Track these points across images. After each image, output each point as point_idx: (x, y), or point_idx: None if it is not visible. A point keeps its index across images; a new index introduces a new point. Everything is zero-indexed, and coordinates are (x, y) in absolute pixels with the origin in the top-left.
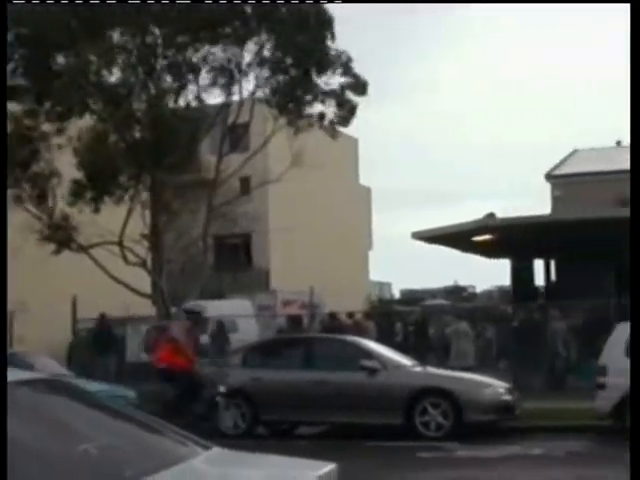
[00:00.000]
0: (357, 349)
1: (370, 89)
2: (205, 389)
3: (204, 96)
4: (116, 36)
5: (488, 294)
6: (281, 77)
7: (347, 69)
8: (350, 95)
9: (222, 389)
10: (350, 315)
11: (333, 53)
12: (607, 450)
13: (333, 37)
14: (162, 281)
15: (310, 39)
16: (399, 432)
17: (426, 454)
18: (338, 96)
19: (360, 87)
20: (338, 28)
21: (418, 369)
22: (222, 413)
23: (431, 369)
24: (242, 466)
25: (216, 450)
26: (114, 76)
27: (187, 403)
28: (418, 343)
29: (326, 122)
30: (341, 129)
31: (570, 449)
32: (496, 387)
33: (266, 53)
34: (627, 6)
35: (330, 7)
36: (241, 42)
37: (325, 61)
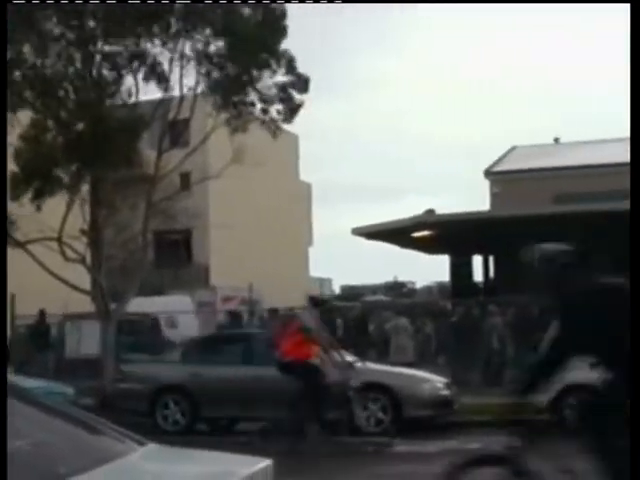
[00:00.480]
0: None
1: (313, 86)
2: (333, 384)
3: (143, 91)
4: (52, 28)
5: (428, 290)
6: (222, 73)
7: (289, 67)
8: (292, 93)
9: (355, 383)
10: (290, 311)
11: (275, 50)
12: (544, 444)
13: (276, 34)
14: (101, 277)
15: (252, 36)
16: (339, 427)
17: (367, 449)
18: (280, 94)
19: (302, 84)
20: (281, 25)
21: (358, 365)
22: (356, 409)
23: (370, 364)
24: (176, 462)
25: (152, 446)
26: (50, 69)
27: (314, 399)
28: (358, 339)
29: (267, 120)
30: (282, 125)
31: (508, 443)
32: (434, 382)
33: (207, 49)
34: (627, 6)
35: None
36: (180, 37)
37: (267, 58)
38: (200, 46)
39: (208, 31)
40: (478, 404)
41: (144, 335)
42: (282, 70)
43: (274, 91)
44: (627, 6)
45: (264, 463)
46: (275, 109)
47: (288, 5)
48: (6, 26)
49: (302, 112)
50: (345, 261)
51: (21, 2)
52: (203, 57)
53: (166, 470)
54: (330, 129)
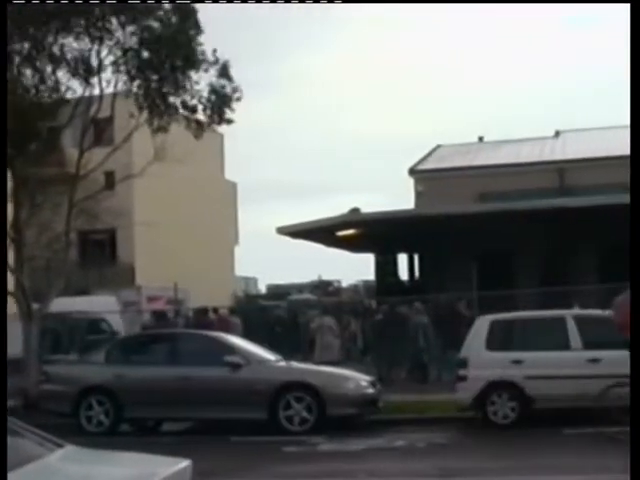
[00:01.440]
0: (220, 344)
1: (239, 83)
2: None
3: (65, 89)
4: None
5: (354, 288)
6: (146, 72)
7: (216, 66)
8: (219, 93)
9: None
10: (215, 310)
11: (195, 50)
12: (468, 441)
13: (200, 33)
14: (24, 278)
15: (178, 35)
16: (264, 427)
17: (290, 448)
18: (206, 94)
19: (229, 85)
20: (207, 24)
21: (282, 364)
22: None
23: (295, 364)
24: (94, 464)
25: (70, 448)
26: None
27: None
28: (284, 338)
29: (192, 121)
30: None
31: (432, 441)
32: (359, 380)
33: (131, 47)
34: (627, 6)
35: (202, 4)
36: (104, 35)
37: (192, 57)
38: (123, 44)
39: (132, 29)
40: (403, 402)
41: (69, 335)
42: (208, 69)
43: (200, 91)
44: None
45: (183, 464)
46: (200, 109)
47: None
48: (6, 26)
49: (228, 110)
50: (271, 260)
51: (21, 2)
52: (126, 55)
53: (82, 472)
54: (256, 127)
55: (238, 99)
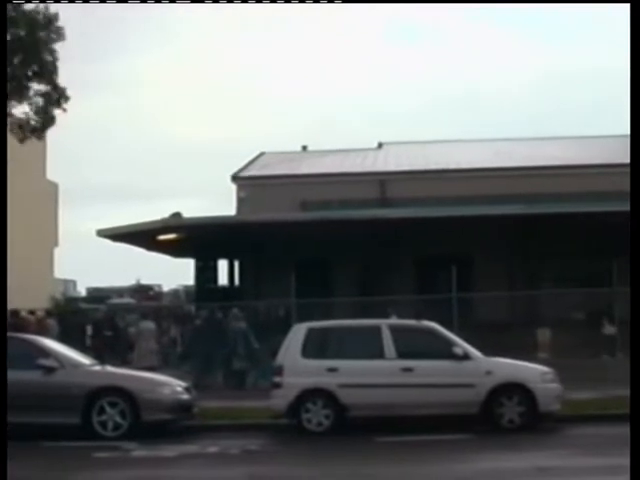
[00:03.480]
0: (34, 347)
1: (67, 83)
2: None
3: None
4: None
5: (175, 293)
6: None
7: (44, 73)
8: (46, 101)
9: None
10: (32, 313)
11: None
12: (281, 448)
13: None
14: None
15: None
16: (77, 432)
17: (103, 454)
18: (32, 99)
19: (57, 92)
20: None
21: (97, 368)
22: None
23: (110, 368)
24: None
25: None
26: None
27: None
28: (102, 342)
29: (15, 124)
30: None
31: (246, 447)
32: (174, 386)
33: None
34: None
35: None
36: None
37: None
38: None
39: None
40: (219, 408)
41: None
42: (36, 75)
43: (26, 98)
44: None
45: None
46: (25, 114)
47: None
48: (6, 26)
49: (52, 112)
50: (91, 263)
51: (21, 2)
52: None
53: None
54: (82, 129)
55: (64, 100)
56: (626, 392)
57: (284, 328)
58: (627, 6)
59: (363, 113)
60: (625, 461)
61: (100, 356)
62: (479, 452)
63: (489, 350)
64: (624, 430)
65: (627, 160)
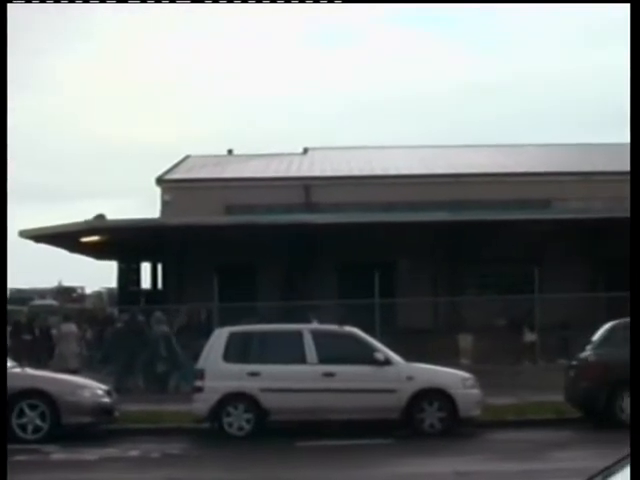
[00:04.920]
0: None
1: None
2: None
3: None
4: None
5: (98, 295)
6: None
7: None
8: None
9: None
10: None
11: None
12: (202, 452)
13: None
14: None
15: None
16: None
17: (22, 457)
18: None
19: None
20: None
21: (16, 370)
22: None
23: (30, 370)
24: None
25: None
26: None
27: None
28: (23, 345)
29: None
30: None
31: (167, 451)
32: (94, 389)
33: None
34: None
35: None
36: None
37: None
38: None
39: None
40: (140, 412)
41: None
42: None
43: None
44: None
45: None
46: None
47: None
48: (6, 26)
49: None
50: (13, 264)
51: (21, 2)
52: None
53: None
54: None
55: None
56: (545, 398)
57: (206, 332)
58: (527, 9)
59: (290, 117)
60: (542, 466)
61: (19, 358)
62: (399, 457)
63: (411, 356)
64: (542, 435)
65: (551, 169)
